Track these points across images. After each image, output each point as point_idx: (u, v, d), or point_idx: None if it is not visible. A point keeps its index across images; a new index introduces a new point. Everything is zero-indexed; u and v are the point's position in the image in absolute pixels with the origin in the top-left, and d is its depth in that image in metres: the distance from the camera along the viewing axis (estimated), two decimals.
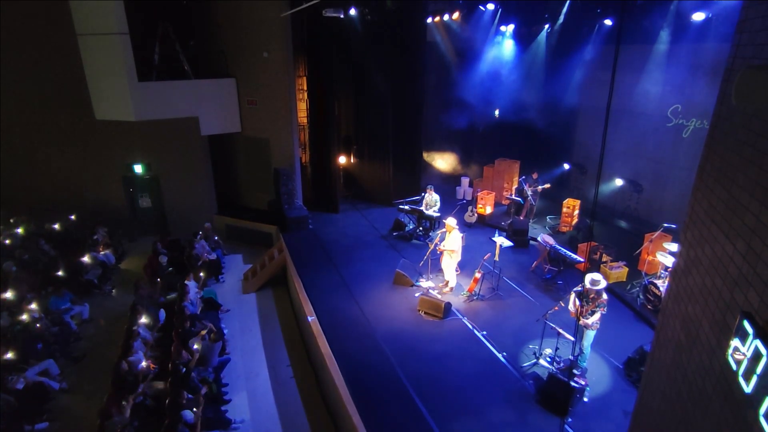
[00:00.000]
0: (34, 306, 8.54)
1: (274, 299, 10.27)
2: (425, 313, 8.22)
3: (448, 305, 8.22)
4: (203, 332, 7.54)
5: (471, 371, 6.91)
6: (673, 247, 8.01)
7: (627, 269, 9.16)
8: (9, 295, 8.61)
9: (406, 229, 11.36)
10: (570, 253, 9.03)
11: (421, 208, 11.12)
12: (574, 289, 6.81)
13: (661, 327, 3.78)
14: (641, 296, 8.36)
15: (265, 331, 9.11)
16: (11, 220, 11.65)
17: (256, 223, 12.52)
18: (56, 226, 11.72)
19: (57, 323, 8.51)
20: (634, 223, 11.29)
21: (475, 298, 8.71)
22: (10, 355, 7.34)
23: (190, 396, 6.27)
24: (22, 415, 6.67)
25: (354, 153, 13.66)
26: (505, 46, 13.58)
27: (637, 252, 9.11)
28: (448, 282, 8.99)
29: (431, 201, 11.13)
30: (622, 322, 7.94)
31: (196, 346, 7.34)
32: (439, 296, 8.49)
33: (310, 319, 8.00)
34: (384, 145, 12.75)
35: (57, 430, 6.82)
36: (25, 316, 8.32)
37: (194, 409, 6.12)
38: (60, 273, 9.97)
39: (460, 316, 8.21)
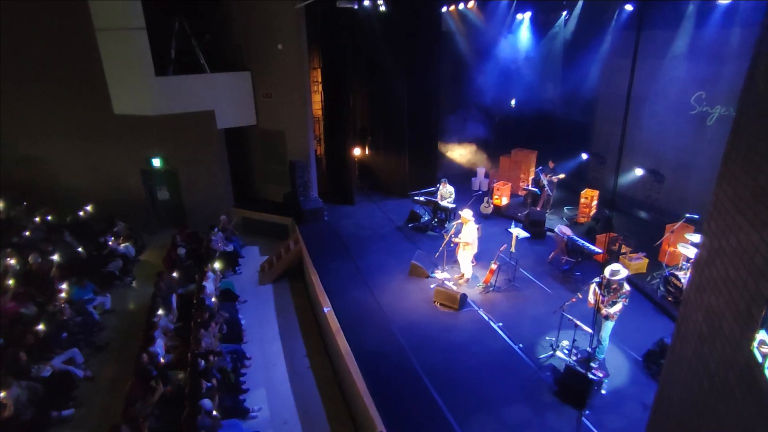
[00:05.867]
0: (63, 295, 8.78)
1: (291, 290, 10.37)
2: (441, 304, 8.21)
3: (464, 296, 8.19)
4: (213, 325, 7.64)
5: (487, 363, 6.89)
6: (695, 238, 7.83)
7: (647, 260, 8.99)
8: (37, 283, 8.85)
9: (422, 220, 11.33)
10: (588, 244, 8.90)
11: (436, 200, 11.07)
12: (594, 280, 6.70)
13: (683, 318, 3.70)
14: (662, 288, 8.20)
15: (281, 322, 9.22)
16: (36, 213, 11.96)
17: (273, 215, 12.62)
18: (79, 218, 11.98)
19: (80, 313, 8.73)
20: (655, 214, 11.05)
21: (491, 289, 8.66)
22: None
23: (208, 385, 6.39)
24: (49, 401, 6.89)
25: (369, 145, 13.63)
26: (521, 34, 13.33)
27: (658, 243, 8.92)
28: (463, 273, 8.95)
29: (446, 193, 11.06)
30: (642, 314, 7.81)
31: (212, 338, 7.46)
32: (454, 287, 8.47)
33: (326, 310, 8.06)
34: (399, 137, 12.68)
35: (82, 416, 7.02)
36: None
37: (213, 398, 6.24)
38: (82, 263, 10.20)
39: (476, 308, 8.17)
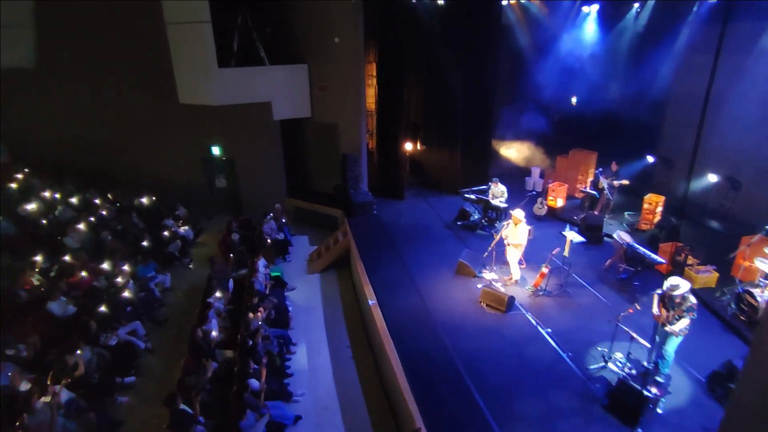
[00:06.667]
0: (120, 279, 9.38)
1: (338, 281, 10.51)
2: (487, 305, 8.04)
3: (512, 299, 7.97)
4: (261, 309, 7.87)
5: (533, 369, 6.67)
6: None
7: (717, 274, 8.31)
8: (106, 265, 9.59)
9: (471, 218, 11.11)
10: (649, 253, 8.36)
11: (487, 198, 10.82)
12: (656, 291, 6.28)
13: (758, 340, 3.37)
14: (733, 305, 7.56)
15: (327, 311, 9.37)
16: (109, 195, 12.90)
17: (323, 206, 12.86)
18: (144, 201, 12.79)
19: (143, 289, 9.33)
20: (729, 224, 10.19)
21: (540, 293, 8.37)
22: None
23: (255, 366, 6.63)
24: (114, 368, 7.43)
25: (421, 140, 13.52)
26: (586, 28, 12.67)
27: (732, 256, 8.23)
28: (512, 275, 8.71)
29: (497, 192, 10.79)
30: (708, 332, 7.24)
31: (260, 322, 7.71)
32: (502, 289, 8.26)
33: (371, 302, 8.11)
34: (452, 133, 12.49)
35: (142, 384, 7.51)
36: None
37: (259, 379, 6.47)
38: (146, 244, 10.88)
39: (524, 311, 7.93)
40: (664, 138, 12.04)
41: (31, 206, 11.53)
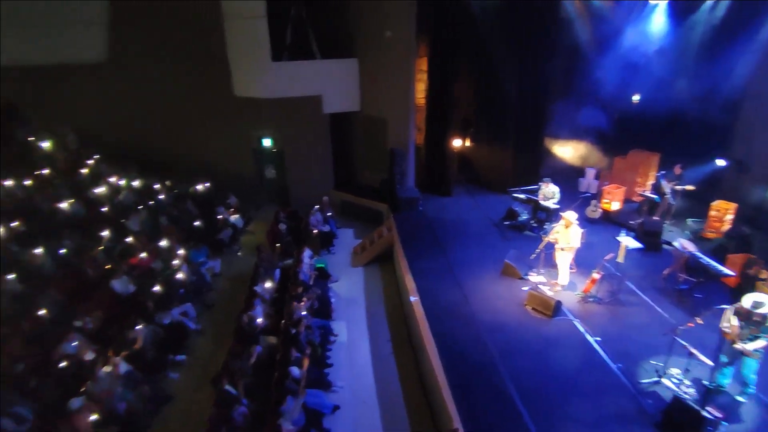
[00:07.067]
0: (177, 261, 9.84)
1: (381, 275, 10.54)
2: (533, 309, 7.79)
3: (559, 304, 7.68)
4: (304, 299, 8.00)
5: (578, 378, 6.40)
6: None
7: None
8: (164, 243, 10.12)
9: (519, 218, 10.78)
10: (715, 264, 7.75)
11: (537, 198, 10.47)
12: (725, 306, 5.83)
13: None
14: None
15: (369, 305, 9.43)
16: (167, 182, 13.57)
17: (369, 200, 12.91)
18: (199, 188, 13.35)
19: (195, 273, 9.76)
20: None
21: (590, 299, 8.00)
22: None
23: (297, 354, 6.78)
24: (167, 346, 7.85)
25: (471, 136, 13.26)
26: (654, 22, 11.89)
27: None
28: (559, 280, 8.38)
29: (548, 193, 10.40)
30: None
31: (303, 312, 7.87)
32: (549, 293, 7.97)
33: (412, 299, 8.08)
34: (504, 130, 12.16)
35: (191, 363, 7.88)
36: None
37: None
38: (198, 224, 11.31)
39: (572, 318, 7.61)
40: (735, 140, 11.13)
41: (100, 190, 12.35)
